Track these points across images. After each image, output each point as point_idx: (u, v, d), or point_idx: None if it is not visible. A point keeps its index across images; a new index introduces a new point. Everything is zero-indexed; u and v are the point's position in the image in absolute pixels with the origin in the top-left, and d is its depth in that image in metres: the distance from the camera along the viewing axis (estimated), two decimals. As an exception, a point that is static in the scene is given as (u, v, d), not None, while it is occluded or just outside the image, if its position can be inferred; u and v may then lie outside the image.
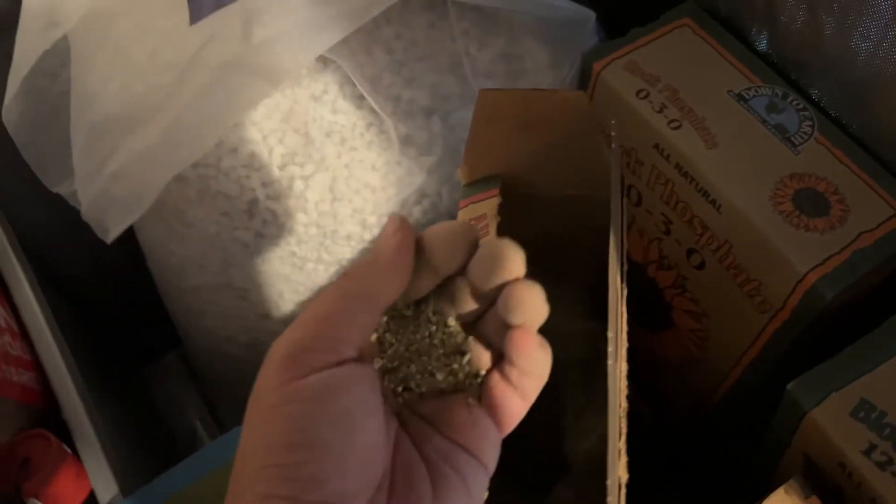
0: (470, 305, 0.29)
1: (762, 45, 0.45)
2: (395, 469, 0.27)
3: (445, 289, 0.29)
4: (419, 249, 0.28)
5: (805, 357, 0.37)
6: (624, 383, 0.31)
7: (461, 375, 0.29)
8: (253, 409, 0.26)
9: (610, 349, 0.31)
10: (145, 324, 0.66)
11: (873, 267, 0.37)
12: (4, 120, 0.43)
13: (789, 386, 0.35)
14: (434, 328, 0.29)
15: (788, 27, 0.42)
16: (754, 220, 0.38)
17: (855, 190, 0.39)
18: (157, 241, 0.50)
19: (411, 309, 0.29)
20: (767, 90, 0.43)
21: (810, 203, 0.39)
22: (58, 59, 0.43)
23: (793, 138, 0.41)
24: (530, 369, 0.28)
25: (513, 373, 0.28)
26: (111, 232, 0.43)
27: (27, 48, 0.42)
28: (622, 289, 0.32)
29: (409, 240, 0.27)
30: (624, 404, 0.31)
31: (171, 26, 0.39)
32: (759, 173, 0.40)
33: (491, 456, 0.29)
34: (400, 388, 0.29)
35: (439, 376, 0.29)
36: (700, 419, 0.50)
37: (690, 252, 0.43)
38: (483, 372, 0.29)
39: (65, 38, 0.42)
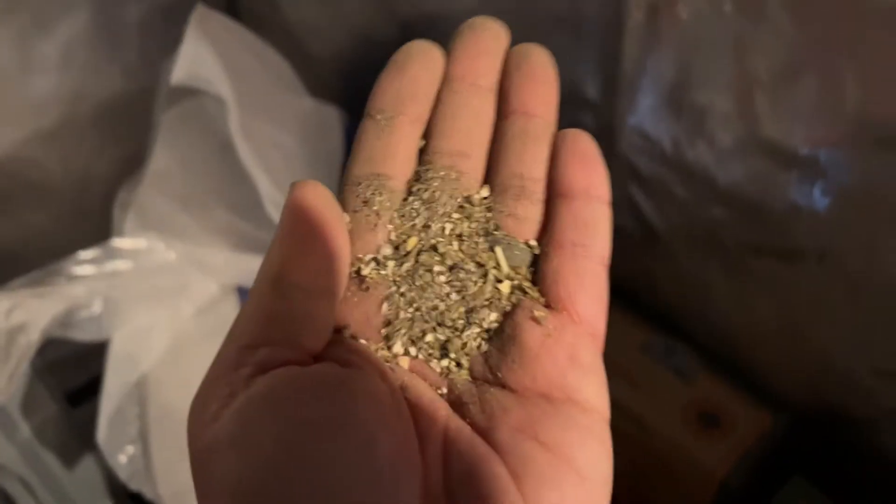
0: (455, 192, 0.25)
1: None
2: (451, 480, 0.20)
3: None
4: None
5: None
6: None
7: (504, 291, 0.23)
8: (197, 440, 0.19)
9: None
10: None
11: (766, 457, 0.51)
12: (98, 441, 0.55)
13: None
14: (434, 254, 0.24)
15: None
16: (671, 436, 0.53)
17: (737, 405, 0.54)
18: None
19: (386, 255, 0.24)
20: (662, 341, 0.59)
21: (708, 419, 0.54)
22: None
23: (686, 373, 0.57)
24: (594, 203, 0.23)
25: (573, 229, 0.23)
26: None
27: (116, 383, 0.55)
28: None
29: (320, 209, 0.22)
30: None
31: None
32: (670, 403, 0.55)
33: (596, 390, 0.22)
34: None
35: (478, 317, 0.23)
36: None
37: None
38: (527, 267, 0.24)
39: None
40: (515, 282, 0.24)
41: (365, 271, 0.23)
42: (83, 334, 0.48)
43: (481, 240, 0.24)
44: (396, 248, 0.24)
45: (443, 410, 0.22)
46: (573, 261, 0.23)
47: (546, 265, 0.24)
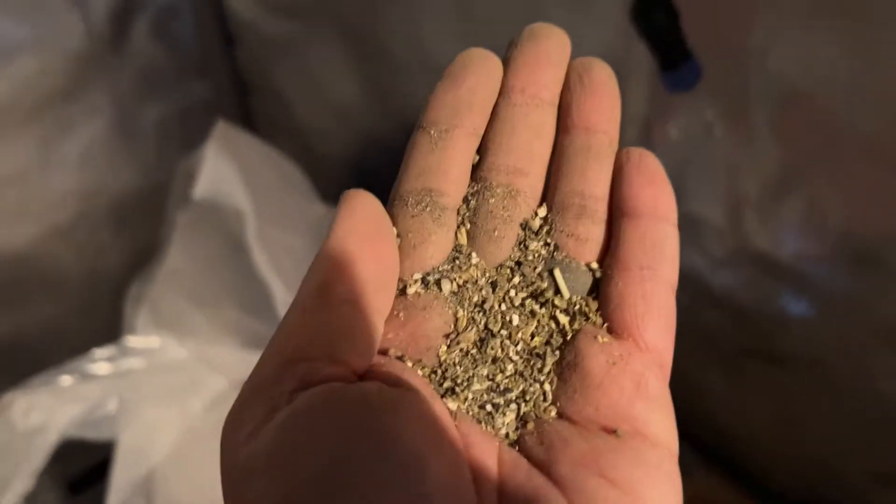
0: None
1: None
2: None
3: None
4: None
5: None
6: None
7: (564, 322, 0.22)
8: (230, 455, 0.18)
9: None
10: None
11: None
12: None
13: None
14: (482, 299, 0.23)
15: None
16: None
17: (735, 501, 0.55)
18: None
19: (420, 285, 0.23)
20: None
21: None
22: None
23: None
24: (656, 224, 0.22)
25: (640, 250, 0.22)
26: None
27: (124, 477, 0.56)
28: None
29: (372, 222, 0.21)
30: None
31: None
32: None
33: (665, 423, 0.20)
34: (479, 410, 0.21)
35: (539, 364, 0.22)
36: None
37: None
38: (587, 289, 0.23)
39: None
40: (577, 307, 0.22)
41: (410, 290, 0.22)
42: (97, 433, 0.49)
43: (541, 266, 0.23)
44: (449, 270, 0.23)
45: (496, 441, 0.20)
46: (640, 284, 0.22)
47: (610, 288, 0.22)
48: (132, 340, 0.52)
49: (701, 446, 0.57)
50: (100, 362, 0.50)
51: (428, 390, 0.20)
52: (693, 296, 0.52)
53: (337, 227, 0.21)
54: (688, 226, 0.51)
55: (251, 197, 0.47)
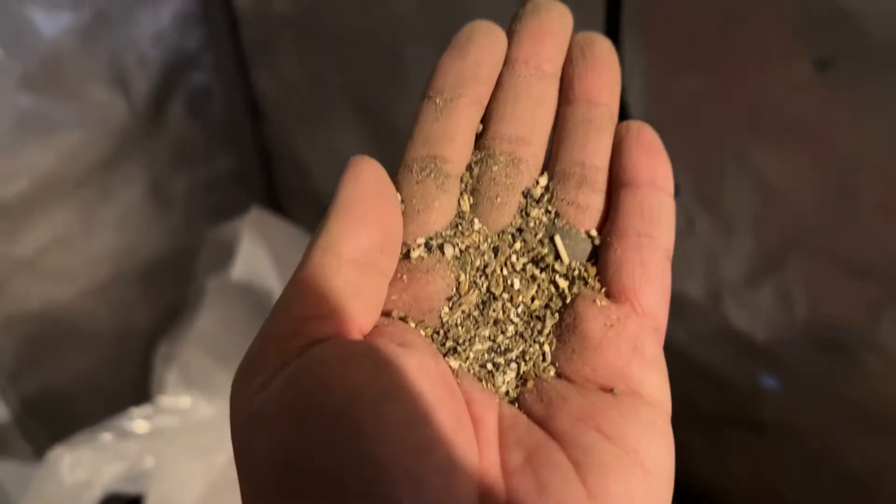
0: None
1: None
2: (509, 467, 0.19)
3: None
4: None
5: None
6: None
7: (563, 286, 0.23)
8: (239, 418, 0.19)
9: None
10: None
11: None
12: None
13: None
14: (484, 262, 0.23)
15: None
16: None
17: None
18: None
19: (423, 250, 0.23)
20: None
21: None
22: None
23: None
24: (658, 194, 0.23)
25: (638, 218, 0.23)
26: None
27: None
28: None
29: (377, 187, 0.22)
30: None
31: None
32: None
33: (659, 384, 0.21)
34: (480, 369, 0.22)
35: (539, 326, 0.22)
36: None
37: None
38: (589, 252, 0.23)
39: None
40: (576, 272, 0.23)
41: (414, 254, 0.23)
42: (133, 488, 0.54)
43: (542, 232, 0.24)
44: (452, 235, 0.23)
45: (497, 398, 0.21)
46: (638, 251, 0.22)
47: (608, 255, 0.23)
48: (165, 400, 0.57)
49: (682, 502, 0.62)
50: (137, 420, 0.55)
51: (431, 349, 0.21)
52: (677, 366, 0.57)
53: (342, 190, 0.21)
54: (674, 303, 0.56)
55: (280, 274, 0.52)
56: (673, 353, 0.58)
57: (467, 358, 0.22)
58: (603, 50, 0.25)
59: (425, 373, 0.19)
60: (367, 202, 0.21)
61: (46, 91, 0.63)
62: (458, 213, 0.24)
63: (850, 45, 0.38)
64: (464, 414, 0.20)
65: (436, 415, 0.18)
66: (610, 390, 0.21)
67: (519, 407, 0.21)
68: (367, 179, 0.21)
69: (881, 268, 0.43)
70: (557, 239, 0.23)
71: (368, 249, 0.21)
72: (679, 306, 0.55)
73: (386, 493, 0.17)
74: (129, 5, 0.64)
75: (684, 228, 0.52)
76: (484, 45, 0.25)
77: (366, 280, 0.21)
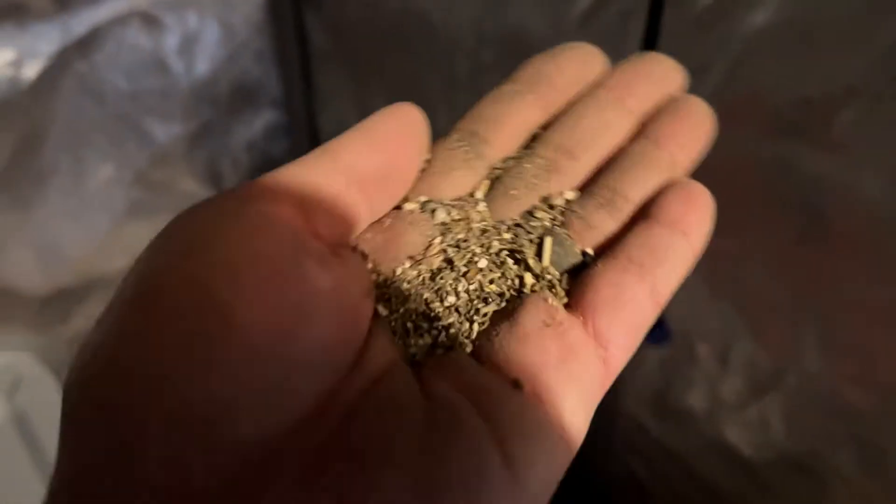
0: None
1: None
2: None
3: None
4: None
5: None
6: None
7: (528, 282, 0.21)
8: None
9: None
10: None
11: None
12: None
13: None
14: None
15: None
16: None
17: None
18: None
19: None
20: None
21: None
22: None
23: None
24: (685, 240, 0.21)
25: (636, 246, 0.21)
26: None
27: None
28: None
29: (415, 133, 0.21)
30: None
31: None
32: None
33: (569, 403, 0.18)
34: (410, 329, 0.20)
35: (484, 309, 0.21)
36: None
37: None
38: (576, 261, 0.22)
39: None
40: (548, 277, 0.21)
41: (407, 206, 0.22)
42: None
43: (536, 233, 0.22)
44: (451, 206, 0.22)
45: (398, 354, 0.20)
46: (619, 272, 0.20)
47: (588, 270, 0.21)
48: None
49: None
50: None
51: (368, 285, 0.20)
52: (677, 475, 0.66)
53: (372, 117, 0.20)
54: (676, 416, 0.65)
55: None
56: (673, 459, 0.66)
57: (395, 312, 0.20)
58: (698, 110, 0.23)
59: (359, 280, 0.19)
60: (388, 134, 0.20)
61: (154, 185, 0.74)
62: (471, 192, 0.23)
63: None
64: (353, 332, 0.18)
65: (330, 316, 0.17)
66: (514, 383, 0.18)
67: (413, 372, 0.19)
68: (400, 118, 0.21)
69: (846, 410, 0.52)
70: (548, 241, 0.22)
71: (368, 172, 0.20)
72: (679, 417, 0.64)
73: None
74: (228, 118, 0.75)
75: (687, 356, 0.61)
76: (575, 58, 0.25)
77: (350, 195, 0.19)
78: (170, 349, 0.15)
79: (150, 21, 0.67)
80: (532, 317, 0.20)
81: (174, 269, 0.16)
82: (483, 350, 0.19)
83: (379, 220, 0.22)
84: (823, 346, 0.52)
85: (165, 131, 0.73)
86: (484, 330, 0.20)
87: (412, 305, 0.20)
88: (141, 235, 0.74)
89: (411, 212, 0.22)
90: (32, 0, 0.62)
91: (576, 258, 0.22)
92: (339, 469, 0.15)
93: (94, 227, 0.73)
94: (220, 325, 0.15)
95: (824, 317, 0.50)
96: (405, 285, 0.21)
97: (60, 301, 0.74)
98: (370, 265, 0.21)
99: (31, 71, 0.63)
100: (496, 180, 0.23)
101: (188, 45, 0.69)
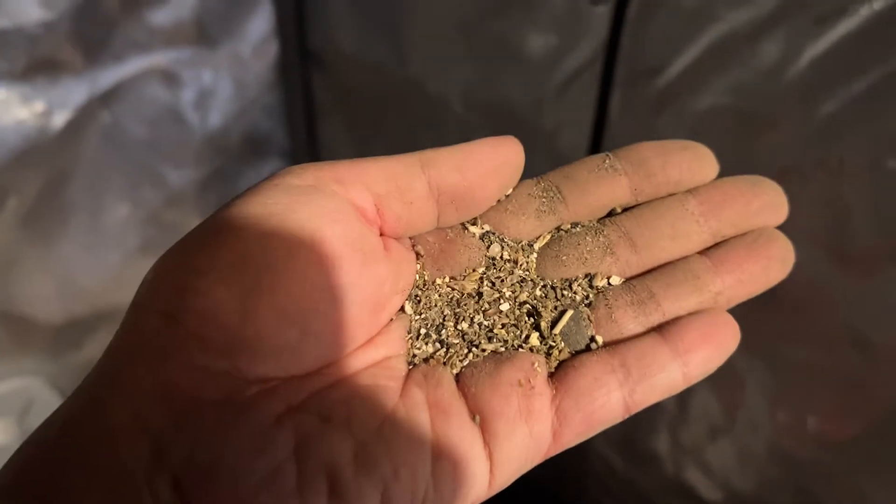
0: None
1: None
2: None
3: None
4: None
5: None
6: None
7: (533, 343, 0.22)
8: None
9: None
10: None
11: None
12: None
13: None
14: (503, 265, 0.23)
15: None
16: None
17: None
18: None
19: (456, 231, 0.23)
20: None
21: None
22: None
23: None
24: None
25: (632, 352, 0.22)
26: None
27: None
28: None
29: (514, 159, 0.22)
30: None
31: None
32: None
33: (507, 448, 0.21)
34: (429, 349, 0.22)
35: (486, 346, 0.22)
36: None
37: None
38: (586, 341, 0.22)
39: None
40: (552, 342, 0.22)
41: (471, 229, 0.24)
42: None
43: (562, 303, 0.23)
44: (509, 245, 0.23)
45: (399, 357, 0.22)
46: (605, 371, 0.21)
47: (585, 353, 0.22)
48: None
49: None
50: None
51: (405, 285, 0.22)
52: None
53: (482, 141, 0.22)
54: (641, 457, 0.70)
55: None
56: (637, 499, 0.71)
57: (416, 314, 0.23)
58: (778, 253, 0.23)
59: (407, 262, 0.21)
60: (481, 161, 0.21)
61: (165, 225, 0.80)
62: (530, 241, 0.24)
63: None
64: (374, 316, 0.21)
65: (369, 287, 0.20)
66: (473, 416, 0.21)
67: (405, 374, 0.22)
68: (499, 150, 0.22)
69: (785, 457, 0.56)
70: (567, 315, 0.23)
71: (450, 187, 0.21)
72: (642, 459, 0.69)
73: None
74: (239, 164, 0.80)
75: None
76: (685, 159, 0.24)
77: (426, 202, 0.21)
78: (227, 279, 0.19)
79: (169, 77, 0.73)
80: (511, 372, 0.21)
81: (244, 217, 0.19)
82: (465, 377, 0.21)
83: (443, 230, 0.24)
84: (766, 398, 0.56)
85: (179, 176, 0.78)
86: (476, 362, 0.22)
87: (432, 315, 0.22)
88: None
89: (473, 235, 0.24)
90: (65, 56, 0.68)
91: (584, 341, 0.23)
92: (305, 423, 0.18)
93: (109, 262, 0.78)
94: (268, 280, 0.18)
95: (769, 371, 0.55)
96: (435, 296, 0.23)
97: (74, 330, 0.78)
98: (419, 266, 0.23)
99: (59, 120, 0.69)
100: (556, 239, 0.24)
101: (203, 99, 0.75)
